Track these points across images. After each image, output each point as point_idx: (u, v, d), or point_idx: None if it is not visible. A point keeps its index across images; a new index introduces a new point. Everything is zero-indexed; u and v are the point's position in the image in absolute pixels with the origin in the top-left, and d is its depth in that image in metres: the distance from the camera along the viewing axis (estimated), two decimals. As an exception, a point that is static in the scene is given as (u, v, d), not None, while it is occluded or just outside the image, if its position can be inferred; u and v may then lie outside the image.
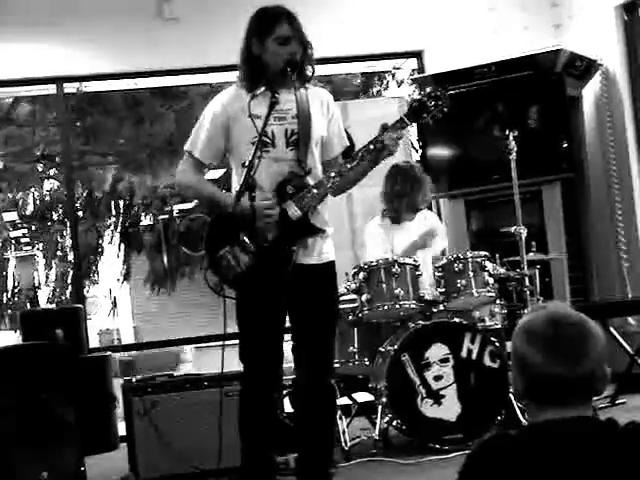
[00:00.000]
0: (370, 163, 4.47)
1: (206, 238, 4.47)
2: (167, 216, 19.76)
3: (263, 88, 4.37)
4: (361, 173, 4.54)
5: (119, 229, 19.96)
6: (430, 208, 8.22)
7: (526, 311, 6.11)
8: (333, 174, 4.41)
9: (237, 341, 4.50)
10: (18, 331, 17.60)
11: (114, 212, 19.67)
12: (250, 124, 4.31)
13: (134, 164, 18.41)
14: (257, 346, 4.40)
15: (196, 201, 14.92)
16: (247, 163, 4.17)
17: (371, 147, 4.41)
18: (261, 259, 4.27)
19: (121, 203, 19.45)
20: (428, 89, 4.54)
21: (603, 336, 2.31)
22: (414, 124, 4.60)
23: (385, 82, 17.22)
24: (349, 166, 4.41)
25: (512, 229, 6.36)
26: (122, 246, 20.44)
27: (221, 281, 4.36)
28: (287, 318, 4.54)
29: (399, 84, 16.35)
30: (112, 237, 20.19)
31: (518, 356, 2.30)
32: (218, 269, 4.34)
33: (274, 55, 4.38)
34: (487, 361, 6.01)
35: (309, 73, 4.51)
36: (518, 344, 2.30)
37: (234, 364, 4.61)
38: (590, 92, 8.20)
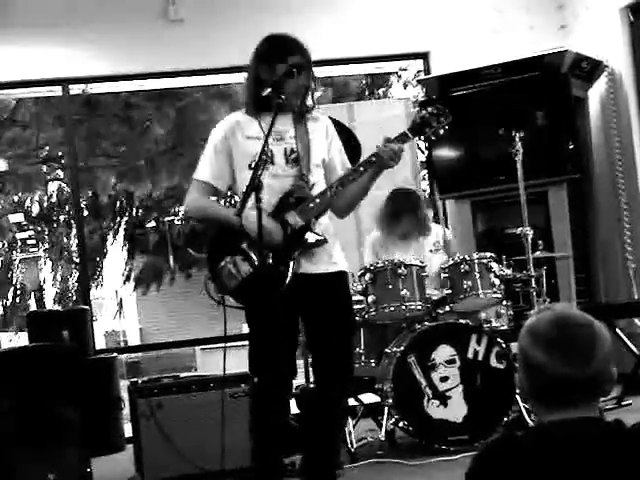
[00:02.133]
0: (370, 178, 4.49)
1: (208, 251, 4.48)
2: (172, 218, 19.80)
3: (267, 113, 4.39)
4: (362, 188, 4.54)
5: (123, 231, 20.00)
6: (436, 215, 8.24)
7: (532, 312, 6.11)
8: (335, 184, 4.43)
9: (239, 343, 4.49)
10: (22, 332, 17.67)
11: (118, 214, 19.71)
12: (251, 145, 4.36)
13: (136, 166, 18.43)
14: (269, 356, 4.37)
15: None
16: (253, 165, 4.16)
17: (373, 159, 4.43)
18: (262, 268, 4.26)
19: (125, 205, 19.49)
20: (430, 108, 4.62)
21: (609, 337, 2.31)
22: (416, 138, 4.69)
23: (389, 83, 17.24)
24: (351, 178, 4.44)
25: (518, 230, 6.35)
26: (126, 248, 20.48)
27: (223, 292, 4.37)
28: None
29: (405, 86, 16.37)
30: (115, 239, 20.23)
31: (524, 357, 2.30)
32: (219, 280, 4.35)
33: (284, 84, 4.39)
34: (493, 362, 6.01)
35: (310, 104, 4.54)
36: (524, 345, 2.30)
37: (242, 365, 4.60)
38: (596, 93, 8.19)
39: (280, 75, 4.37)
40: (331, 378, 4.48)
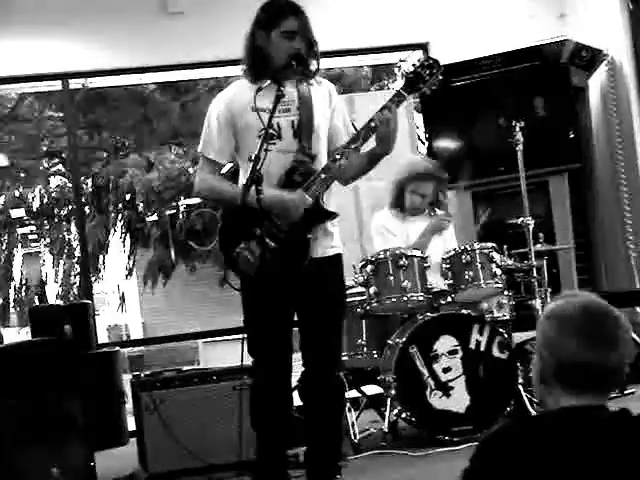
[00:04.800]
0: (371, 160, 4.50)
1: (220, 238, 4.45)
2: (174, 211, 19.80)
3: (268, 82, 4.35)
4: (364, 169, 4.56)
5: (124, 224, 20.00)
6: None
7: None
8: (338, 156, 4.40)
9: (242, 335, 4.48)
10: (25, 328, 17.69)
11: (120, 207, 19.71)
12: (255, 118, 4.30)
13: (139, 160, 18.44)
14: (267, 339, 4.39)
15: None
16: (253, 157, 4.14)
17: (372, 124, 4.40)
18: (279, 251, 4.26)
19: (127, 197, 19.50)
20: (419, 60, 4.51)
21: (631, 329, 2.33)
22: (411, 96, 4.58)
23: (392, 75, 17.21)
24: (353, 146, 4.40)
25: (519, 220, 6.35)
26: (128, 241, 20.49)
27: (239, 277, 4.35)
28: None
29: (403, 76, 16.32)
30: (121, 232, 20.24)
31: (549, 342, 2.31)
32: (237, 267, 4.32)
33: (278, 48, 4.38)
34: (495, 352, 6.00)
35: (313, 69, 4.50)
36: (550, 330, 2.31)
37: (246, 357, 4.60)
38: (596, 82, 8.18)
39: (279, 67, 4.37)
40: (321, 360, 4.49)
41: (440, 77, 4.50)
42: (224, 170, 4.73)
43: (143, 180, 18.50)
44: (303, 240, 4.34)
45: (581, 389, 2.27)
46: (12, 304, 20.39)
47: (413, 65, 4.49)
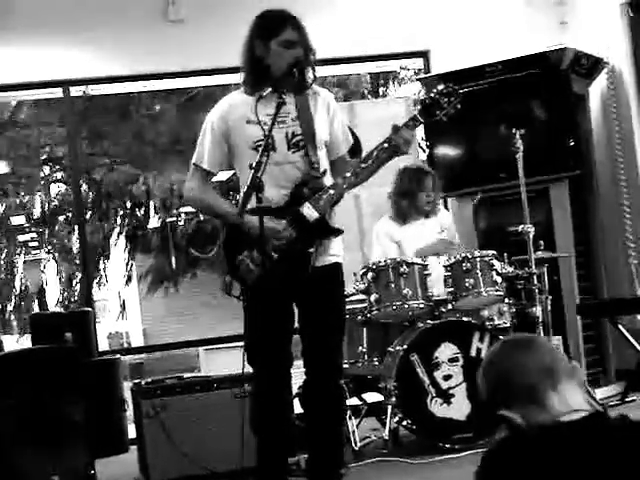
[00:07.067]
0: (380, 163, 4.48)
1: (224, 243, 4.46)
2: (175, 218, 19.80)
3: (269, 90, 4.35)
4: (371, 172, 4.54)
5: (125, 231, 20.01)
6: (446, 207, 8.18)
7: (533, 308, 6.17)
8: (349, 174, 4.39)
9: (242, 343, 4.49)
10: (26, 335, 17.68)
11: (121, 213, 19.72)
12: (251, 129, 4.31)
13: (139, 165, 18.45)
14: (267, 348, 4.40)
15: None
16: (254, 165, 4.13)
17: (385, 146, 4.40)
18: (280, 262, 4.26)
19: (128, 204, 19.52)
20: (440, 86, 4.50)
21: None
22: (426, 122, 4.58)
23: (394, 82, 17.23)
24: (363, 166, 4.40)
25: (520, 228, 6.35)
26: (128, 248, 20.50)
27: (241, 285, 4.35)
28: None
29: (404, 83, 16.37)
30: (119, 239, 20.24)
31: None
32: (237, 274, 4.33)
33: (278, 57, 4.36)
34: (496, 360, 5.99)
35: (310, 79, 4.50)
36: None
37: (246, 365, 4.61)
38: (597, 90, 8.18)
39: (280, 75, 4.37)
40: (322, 368, 4.48)
41: (458, 106, 4.49)
42: (222, 178, 4.74)
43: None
44: (305, 253, 4.35)
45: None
46: (12, 311, 20.39)
47: (432, 91, 4.48)
